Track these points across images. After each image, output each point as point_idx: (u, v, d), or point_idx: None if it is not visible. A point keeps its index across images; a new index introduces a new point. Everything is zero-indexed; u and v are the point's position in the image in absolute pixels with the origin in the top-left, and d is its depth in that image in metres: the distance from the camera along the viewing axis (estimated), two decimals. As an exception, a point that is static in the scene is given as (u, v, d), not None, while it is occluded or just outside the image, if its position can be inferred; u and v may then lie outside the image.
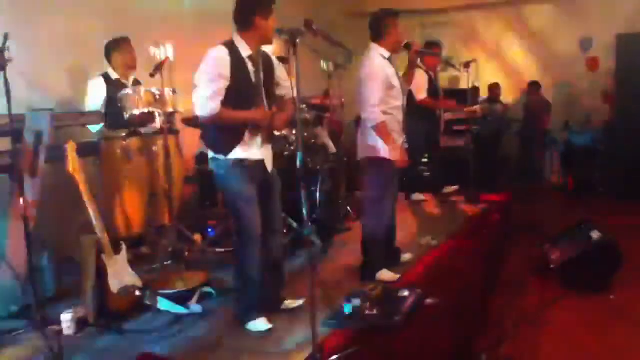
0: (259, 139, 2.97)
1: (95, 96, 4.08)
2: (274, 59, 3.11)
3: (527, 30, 8.69)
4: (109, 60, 4.21)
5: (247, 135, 2.92)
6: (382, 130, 3.54)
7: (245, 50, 2.89)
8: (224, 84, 2.82)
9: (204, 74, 2.83)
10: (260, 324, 2.95)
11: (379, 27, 3.68)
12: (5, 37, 2.89)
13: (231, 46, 2.87)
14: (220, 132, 2.92)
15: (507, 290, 4.36)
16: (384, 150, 3.62)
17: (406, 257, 4.14)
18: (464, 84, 7.44)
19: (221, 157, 2.93)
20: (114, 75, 4.18)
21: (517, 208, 6.35)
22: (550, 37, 8.49)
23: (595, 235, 4.28)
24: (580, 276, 4.19)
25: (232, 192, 2.97)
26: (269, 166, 3.08)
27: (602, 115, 7.96)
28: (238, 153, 2.91)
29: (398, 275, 3.75)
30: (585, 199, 7.21)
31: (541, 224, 5.81)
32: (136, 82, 4.23)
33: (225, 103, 2.84)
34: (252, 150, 2.95)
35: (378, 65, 3.60)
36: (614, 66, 7.63)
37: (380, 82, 3.55)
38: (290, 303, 3.19)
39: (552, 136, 8.15)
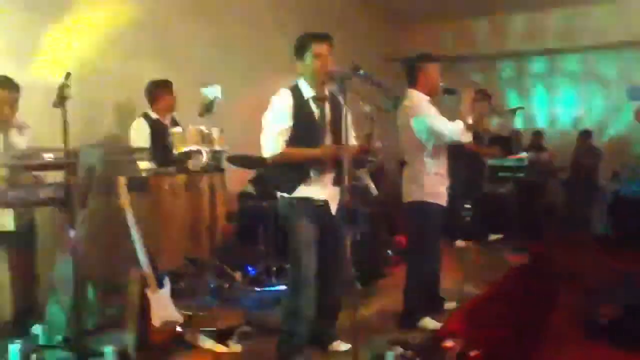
0: (325, 179, 2.99)
1: (140, 136, 4.21)
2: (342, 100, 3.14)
3: (573, 78, 8.62)
4: (150, 101, 4.35)
5: (312, 174, 2.96)
6: None
7: (308, 92, 2.99)
8: (287, 125, 2.91)
9: (268, 117, 2.95)
10: None
11: (413, 72, 3.69)
12: (68, 75, 3.03)
13: (295, 89, 2.98)
14: (285, 171, 3.00)
15: (552, 343, 4.17)
16: (427, 193, 3.60)
17: (450, 305, 4.04)
18: (507, 130, 7.41)
19: (285, 195, 2.98)
20: (153, 115, 4.31)
21: (563, 258, 6.14)
22: (599, 85, 8.38)
23: (649, 290, 4.10)
24: (630, 333, 3.98)
25: (291, 231, 2.99)
26: (334, 208, 3.06)
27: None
28: (301, 191, 2.95)
29: (440, 324, 3.65)
30: (633, 251, 6.92)
31: (588, 275, 5.59)
32: (174, 123, 4.34)
33: (289, 143, 2.92)
34: (317, 190, 2.98)
35: (425, 106, 3.58)
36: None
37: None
38: (337, 345, 3.16)
39: (600, 186, 7.93)
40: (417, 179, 3.63)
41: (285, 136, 2.91)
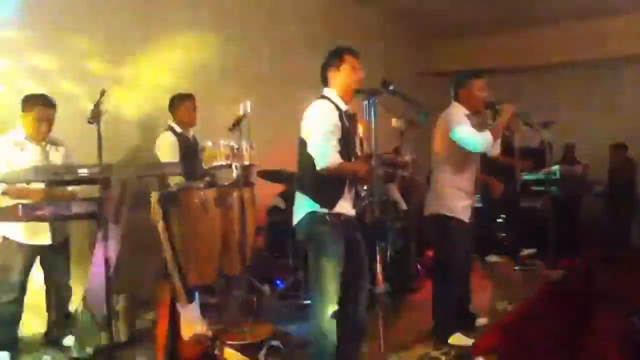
0: (351, 194, 2.96)
1: (170, 150, 4.24)
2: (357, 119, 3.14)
3: (605, 92, 8.45)
4: (173, 115, 4.39)
5: (346, 189, 2.91)
6: None
7: (341, 105, 2.94)
8: (339, 135, 2.84)
9: (321, 126, 2.83)
10: None
11: (455, 89, 3.71)
12: (103, 93, 3.10)
13: (330, 101, 2.92)
14: (329, 185, 2.88)
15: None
16: (444, 207, 3.59)
17: (481, 321, 3.98)
18: (538, 142, 7.29)
19: (322, 210, 2.88)
20: (178, 129, 4.35)
21: (601, 275, 5.97)
22: (632, 99, 8.21)
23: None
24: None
25: (322, 246, 2.88)
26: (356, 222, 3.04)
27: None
28: (338, 206, 2.89)
29: (472, 340, 3.59)
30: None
31: (627, 293, 5.42)
32: (194, 138, 4.38)
33: None
34: (347, 204, 2.94)
35: (457, 117, 3.57)
36: None
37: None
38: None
39: (638, 199, 7.72)
40: (437, 191, 3.66)
41: (339, 148, 2.84)
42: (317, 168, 2.81)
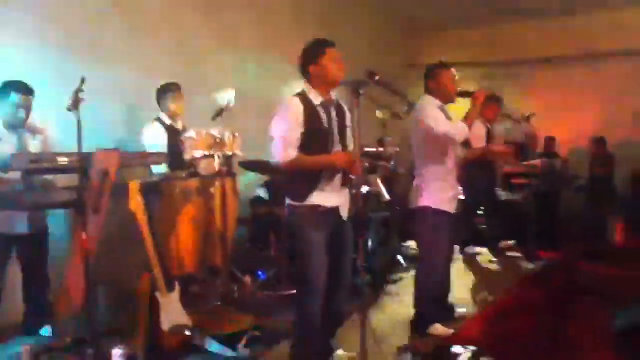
0: (336, 185, 2.97)
1: (156, 141, 4.19)
2: (346, 108, 3.14)
3: (589, 85, 8.54)
4: (160, 105, 4.34)
5: (323, 181, 2.93)
6: None
7: (316, 99, 2.95)
8: (299, 131, 2.87)
9: (280, 124, 2.90)
10: None
11: (426, 81, 3.74)
12: (83, 80, 3.05)
13: (303, 96, 2.94)
14: (297, 179, 2.94)
15: (569, 355, 4.11)
16: (433, 200, 3.61)
17: (461, 311, 4.02)
18: (518, 137, 7.37)
19: (297, 203, 2.92)
20: (166, 120, 4.31)
21: (580, 268, 6.05)
22: (614, 93, 8.30)
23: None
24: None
25: (302, 239, 2.92)
26: (345, 214, 3.04)
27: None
28: (314, 199, 2.91)
29: (451, 330, 3.62)
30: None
31: (606, 286, 5.50)
32: (184, 128, 4.35)
33: (301, 150, 2.89)
34: (328, 196, 2.95)
35: (430, 109, 3.60)
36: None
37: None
38: (342, 356, 3.12)
39: (618, 193, 7.83)
40: (423, 185, 3.66)
41: (298, 144, 2.88)
42: (272, 162, 2.91)
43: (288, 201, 3.00)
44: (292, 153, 2.86)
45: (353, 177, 2.93)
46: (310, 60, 2.96)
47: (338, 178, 2.97)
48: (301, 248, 2.93)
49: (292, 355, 3.02)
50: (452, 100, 3.74)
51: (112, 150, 3.48)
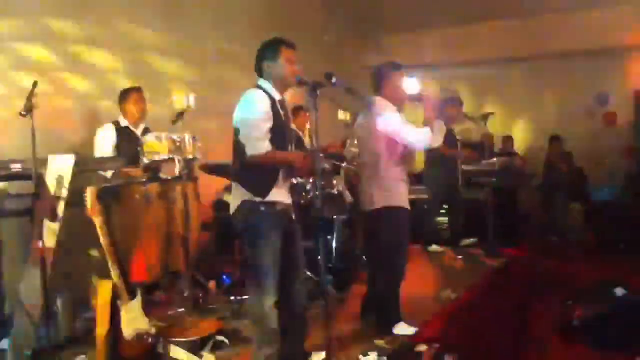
0: (288, 183, 2.98)
1: (104, 143, 4.14)
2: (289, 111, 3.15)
3: (543, 86, 8.78)
4: (121, 108, 4.29)
5: (281, 178, 2.92)
6: None
7: (275, 95, 2.95)
8: (270, 124, 2.85)
9: (251, 114, 2.84)
10: None
11: (379, 80, 3.73)
12: (35, 85, 2.98)
13: (265, 91, 2.92)
14: (261, 174, 2.90)
15: (530, 347, 4.21)
16: (396, 199, 3.65)
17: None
18: (475, 137, 7.52)
19: (257, 199, 2.89)
20: (124, 122, 4.25)
21: (539, 263, 6.21)
22: (567, 93, 8.56)
23: (620, 292, 4.15)
24: (605, 335, 4.04)
25: (257, 236, 2.89)
26: (292, 212, 3.07)
27: (623, 170, 7.91)
28: (272, 196, 2.89)
29: (415, 329, 3.66)
30: (606, 255, 7.03)
31: (564, 280, 5.65)
32: (146, 131, 4.29)
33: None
34: (283, 194, 2.96)
35: (391, 113, 3.62)
36: (634, 122, 7.62)
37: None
38: (315, 355, 3.13)
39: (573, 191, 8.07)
40: (383, 186, 3.65)
41: (269, 136, 2.84)
42: (247, 155, 2.83)
43: (242, 199, 2.93)
44: (267, 145, 2.82)
45: (297, 179, 2.93)
46: (267, 57, 2.96)
47: (289, 176, 2.99)
48: (256, 245, 2.89)
49: (256, 357, 2.98)
50: (402, 103, 3.77)
51: (68, 155, 3.41)
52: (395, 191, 3.66)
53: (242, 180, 2.96)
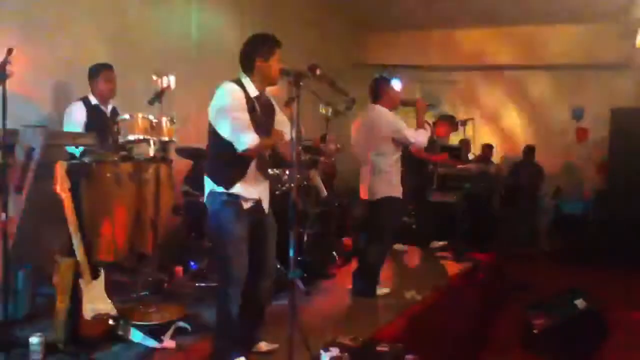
0: (259, 177, 2.96)
1: (75, 120, 4.03)
2: (275, 103, 3.12)
3: (522, 96, 8.90)
4: (90, 85, 4.17)
5: (250, 171, 2.90)
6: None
7: (252, 91, 2.92)
8: (247, 114, 2.83)
9: (230, 108, 2.82)
10: None
11: (378, 90, 4.30)
12: (9, 51, 2.89)
13: (240, 85, 2.89)
14: (227, 165, 2.89)
15: (493, 353, 4.27)
16: (398, 190, 4.27)
17: (384, 290, 4.47)
18: (455, 141, 7.59)
19: (220, 189, 2.88)
20: (93, 100, 4.15)
21: (506, 270, 6.30)
22: (544, 105, 8.70)
23: (581, 304, 4.22)
24: (562, 345, 4.11)
25: (221, 228, 2.89)
26: (266, 206, 3.04)
27: (592, 184, 8.08)
28: (237, 189, 2.88)
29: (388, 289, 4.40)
30: (573, 266, 7.18)
31: (530, 288, 5.75)
32: (114, 111, 4.21)
33: None
34: (251, 187, 2.93)
35: (394, 117, 4.24)
36: (607, 138, 7.77)
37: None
38: (264, 345, 3.12)
39: (541, 202, 8.21)
40: (386, 178, 4.24)
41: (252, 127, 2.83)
42: (240, 151, 2.80)
43: (210, 188, 2.93)
44: (255, 135, 2.79)
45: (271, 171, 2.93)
46: (259, 54, 2.91)
47: (262, 170, 2.98)
48: (220, 237, 2.90)
49: (213, 345, 2.98)
50: (396, 109, 4.36)
51: (39, 127, 3.33)
52: (396, 184, 4.27)
53: (208, 170, 2.99)
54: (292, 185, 2.87)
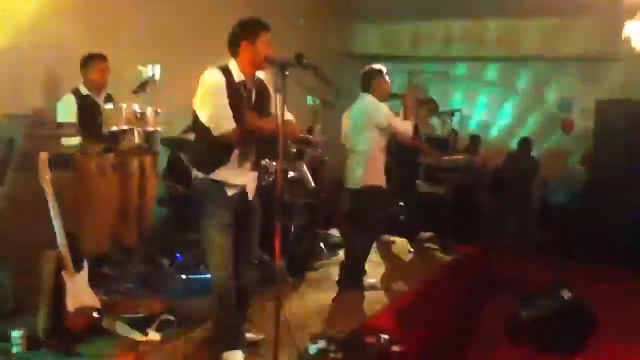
0: (244, 164, 2.93)
1: (67, 112, 3.96)
2: (271, 89, 3.08)
3: (509, 87, 8.92)
4: (83, 75, 4.11)
5: (234, 158, 2.88)
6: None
7: (238, 77, 2.89)
8: (227, 102, 2.81)
9: (209, 96, 2.82)
10: (235, 356, 2.86)
11: (369, 81, 4.31)
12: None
13: (226, 71, 2.87)
14: (209, 150, 2.88)
15: (480, 345, 4.29)
16: (383, 180, 4.28)
17: (372, 282, 4.50)
18: (439, 132, 7.58)
19: (203, 175, 2.88)
20: (84, 91, 4.07)
21: (493, 263, 6.31)
22: (531, 97, 8.73)
23: (567, 296, 4.25)
24: (549, 336, 4.13)
25: (206, 214, 2.89)
26: (251, 194, 3.02)
27: (578, 176, 8.13)
28: (221, 175, 2.87)
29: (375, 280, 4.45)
30: (560, 258, 7.22)
31: (518, 280, 5.77)
32: (108, 99, 4.14)
33: None
34: (236, 174, 2.91)
35: (384, 108, 4.26)
36: (593, 130, 7.81)
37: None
38: (250, 336, 3.11)
39: (531, 194, 8.23)
40: (373, 167, 4.24)
41: (231, 114, 2.81)
42: (215, 135, 2.81)
43: (195, 174, 2.94)
44: (233, 122, 2.79)
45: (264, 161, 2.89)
46: (244, 36, 2.89)
47: (248, 160, 2.95)
48: (205, 224, 2.89)
49: (214, 333, 2.99)
50: (385, 100, 4.36)
51: (22, 116, 3.27)
52: (380, 174, 4.29)
53: (192, 157, 3.04)
54: (280, 175, 2.85)
